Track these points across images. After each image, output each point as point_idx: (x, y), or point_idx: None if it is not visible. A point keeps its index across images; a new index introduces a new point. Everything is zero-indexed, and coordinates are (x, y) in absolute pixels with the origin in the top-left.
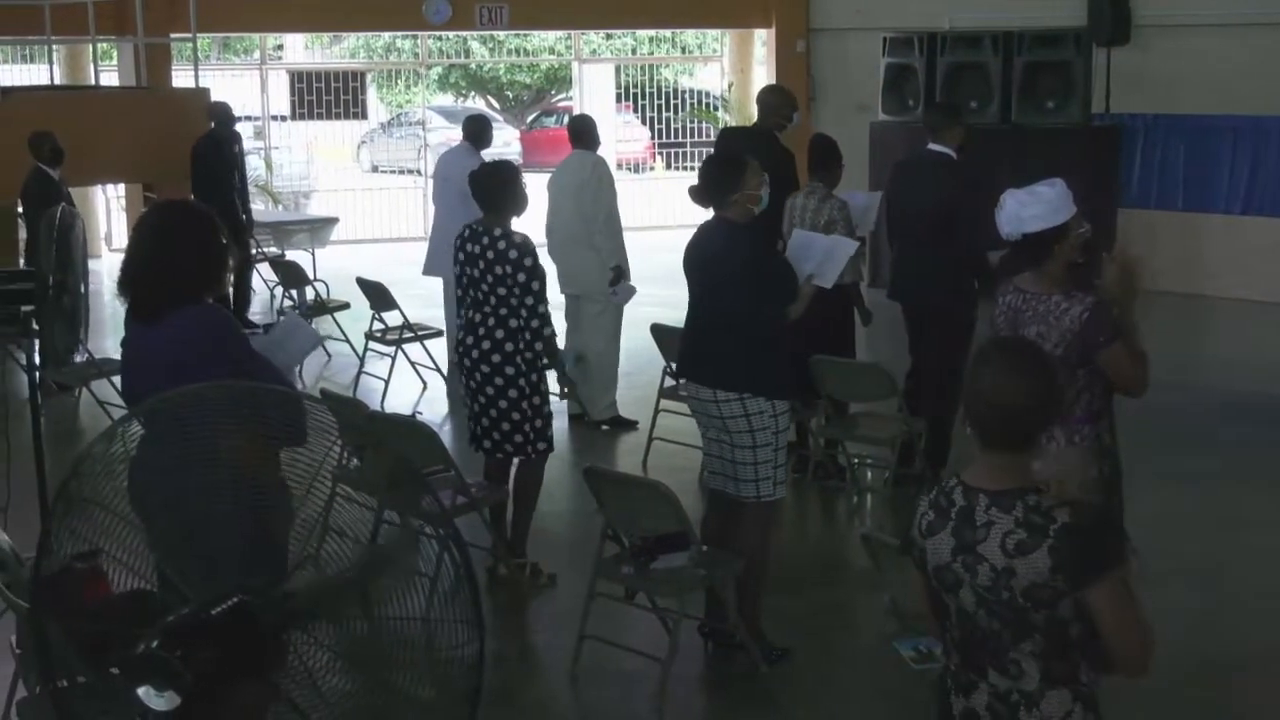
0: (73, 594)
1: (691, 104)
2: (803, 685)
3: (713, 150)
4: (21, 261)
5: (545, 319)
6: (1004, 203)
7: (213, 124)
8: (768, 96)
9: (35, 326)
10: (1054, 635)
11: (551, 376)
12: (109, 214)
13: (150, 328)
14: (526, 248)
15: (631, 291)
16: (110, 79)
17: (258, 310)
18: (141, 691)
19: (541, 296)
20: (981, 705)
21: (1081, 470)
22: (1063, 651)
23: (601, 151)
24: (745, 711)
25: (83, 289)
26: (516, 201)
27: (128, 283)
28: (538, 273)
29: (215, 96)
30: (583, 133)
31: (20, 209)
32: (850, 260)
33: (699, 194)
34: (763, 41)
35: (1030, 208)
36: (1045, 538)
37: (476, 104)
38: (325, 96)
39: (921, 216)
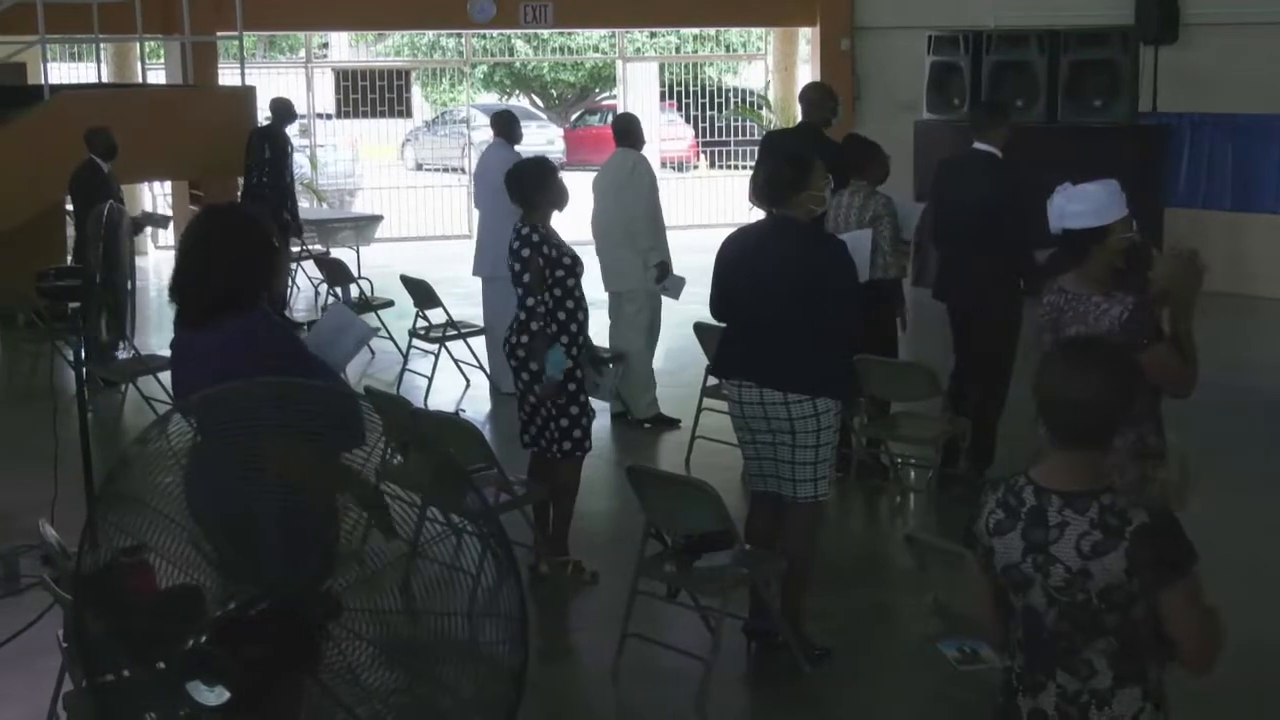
0: (118, 589)
1: (735, 102)
2: (845, 685)
3: (759, 152)
4: (70, 258)
5: (531, 312)
6: (1054, 196)
7: (269, 118)
8: (810, 93)
9: (82, 323)
10: (1127, 636)
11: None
12: (155, 211)
13: (198, 334)
14: (529, 239)
15: (681, 282)
16: (157, 77)
17: (302, 308)
18: (191, 686)
19: (531, 289)
20: (1050, 705)
21: (1119, 471)
22: (1134, 651)
23: (645, 150)
24: (787, 711)
25: (129, 286)
26: (551, 197)
27: (178, 289)
28: (531, 264)
29: (261, 95)
30: (626, 131)
31: (69, 205)
32: (894, 257)
33: (763, 193)
34: (807, 40)
35: (1075, 204)
36: (1121, 539)
37: (520, 102)
38: (370, 95)
39: (966, 216)
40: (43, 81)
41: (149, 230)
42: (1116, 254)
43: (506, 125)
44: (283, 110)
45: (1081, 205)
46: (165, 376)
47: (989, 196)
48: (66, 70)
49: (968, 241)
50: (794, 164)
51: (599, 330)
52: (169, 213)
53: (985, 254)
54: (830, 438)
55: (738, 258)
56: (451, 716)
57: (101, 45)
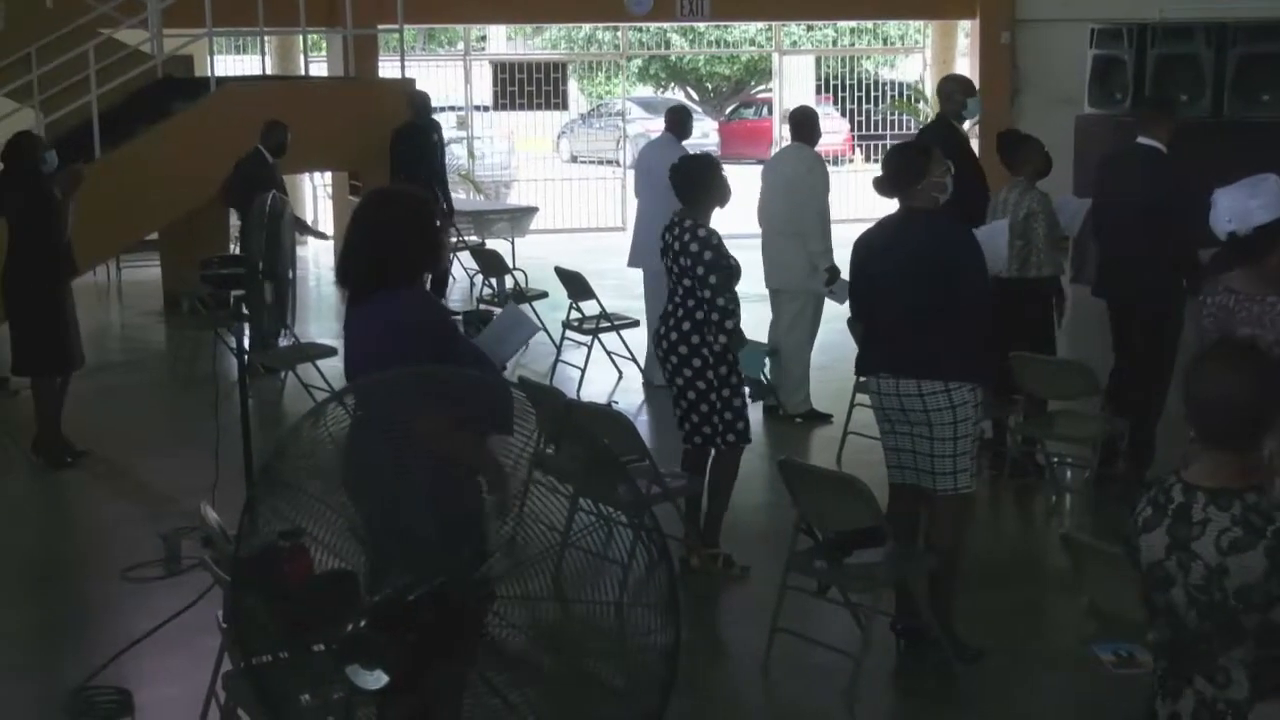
0: (275, 572)
1: (892, 96)
2: (997, 686)
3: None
4: (233, 247)
5: (725, 311)
6: (1216, 201)
7: (412, 114)
8: (942, 85)
9: (244, 311)
10: (1266, 642)
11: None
12: (315, 201)
13: (362, 311)
14: (710, 240)
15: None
16: (319, 69)
17: (458, 299)
18: (350, 669)
19: (720, 289)
20: (1187, 711)
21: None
22: (1275, 661)
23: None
24: (937, 710)
25: (290, 275)
26: (715, 194)
27: (343, 264)
28: (717, 266)
29: (420, 87)
30: (804, 125)
31: (232, 195)
32: (1050, 254)
33: (884, 183)
34: (966, 33)
35: (1259, 197)
36: (1261, 538)
37: (676, 95)
38: (527, 87)
39: (1129, 211)
40: (209, 73)
41: (308, 219)
42: None
43: (680, 120)
44: (420, 104)
45: (1265, 198)
46: (324, 364)
47: (1152, 193)
48: (232, 63)
49: (1129, 238)
50: (909, 153)
51: (757, 325)
52: (328, 200)
53: (1147, 251)
54: (969, 430)
55: (869, 252)
56: (603, 704)
57: (266, 38)
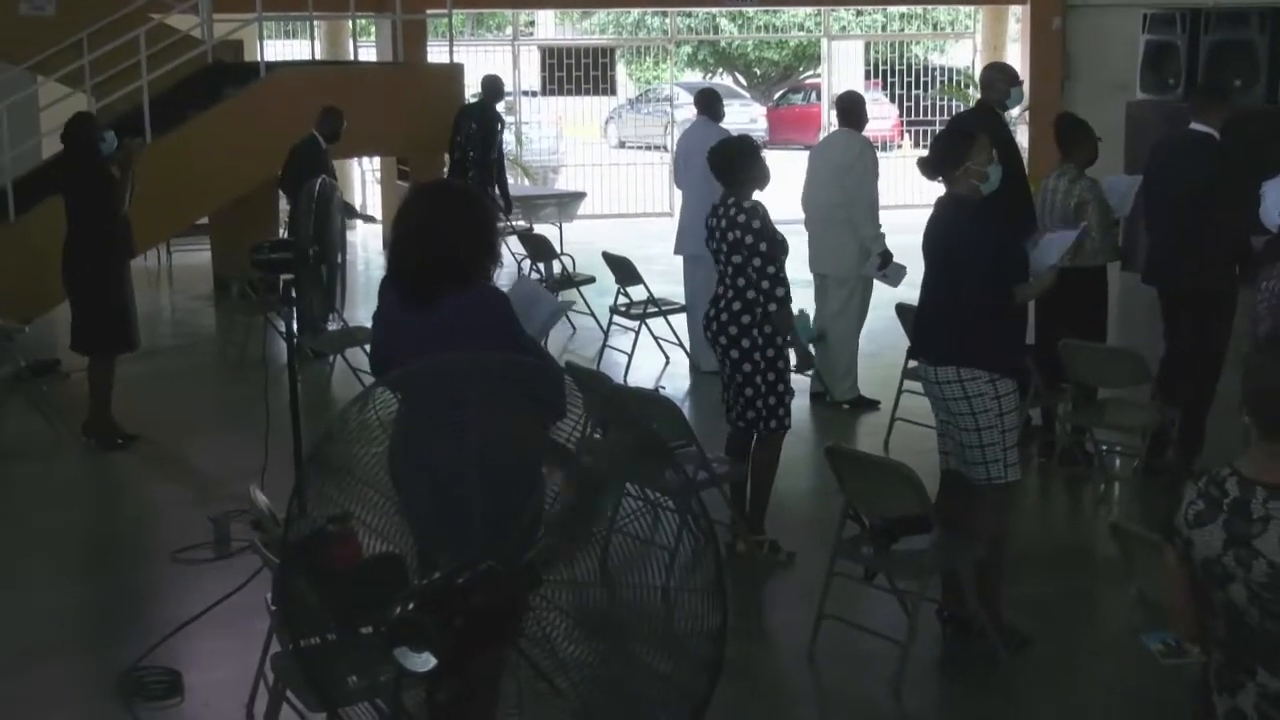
0: (323, 555)
1: (941, 82)
2: (1044, 674)
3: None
4: (283, 232)
5: (775, 279)
6: (1265, 194)
7: (478, 95)
8: (985, 72)
9: (294, 295)
10: None
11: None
12: (364, 186)
13: (425, 311)
14: (756, 210)
15: (902, 271)
16: (368, 54)
17: (504, 283)
18: (398, 652)
19: (771, 256)
20: (1249, 705)
21: None
22: None
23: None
24: (983, 698)
25: (340, 259)
26: (755, 175)
27: (405, 265)
28: (765, 233)
29: (469, 72)
30: (851, 110)
31: (282, 180)
32: (1104, 241)
33: (926, 165)
34: (1017, 18)
35: None
36: None
37: (723, 81)
38: (575, 72)
39: (1181, 198)
40: (259, 59)
41: (356, 204)
42: None
43: (709, 102)
44: (493, 87)
45: None
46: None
47: (1205, 179)
48: (281, 48)
49: (1182, 225)
50: (952, 137)
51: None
52: (377, 185)
53: (1200, 238)
54: (991, 420)
55: (925, 237)
56: (649, 688)
57: (315, 23)
